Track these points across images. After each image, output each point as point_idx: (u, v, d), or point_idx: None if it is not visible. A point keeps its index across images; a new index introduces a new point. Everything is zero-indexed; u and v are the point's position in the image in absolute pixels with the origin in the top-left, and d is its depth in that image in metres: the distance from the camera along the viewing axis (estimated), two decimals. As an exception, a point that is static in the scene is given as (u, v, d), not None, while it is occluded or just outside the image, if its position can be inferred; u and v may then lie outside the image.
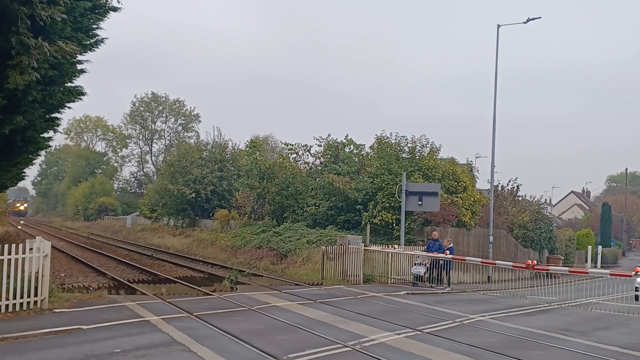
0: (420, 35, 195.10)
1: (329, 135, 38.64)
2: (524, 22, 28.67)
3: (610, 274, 17.47)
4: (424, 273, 20.81)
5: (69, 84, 15.65)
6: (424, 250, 22.14)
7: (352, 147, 38.45)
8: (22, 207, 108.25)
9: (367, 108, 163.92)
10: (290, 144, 40.37)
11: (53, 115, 16.78)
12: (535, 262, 18.78)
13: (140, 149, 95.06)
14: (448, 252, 21.15)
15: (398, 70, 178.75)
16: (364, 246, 22.24)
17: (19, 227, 54.17)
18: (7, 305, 10.96)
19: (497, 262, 21.03)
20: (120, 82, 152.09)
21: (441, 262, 20.81)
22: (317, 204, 33.65)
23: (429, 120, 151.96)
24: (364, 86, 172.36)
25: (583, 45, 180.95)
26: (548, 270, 18.82)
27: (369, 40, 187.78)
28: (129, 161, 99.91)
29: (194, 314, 12.12)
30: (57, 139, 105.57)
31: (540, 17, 28.42)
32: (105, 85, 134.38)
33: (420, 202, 23.88)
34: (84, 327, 10.19)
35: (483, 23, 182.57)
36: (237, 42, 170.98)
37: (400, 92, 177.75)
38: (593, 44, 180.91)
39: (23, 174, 24.72)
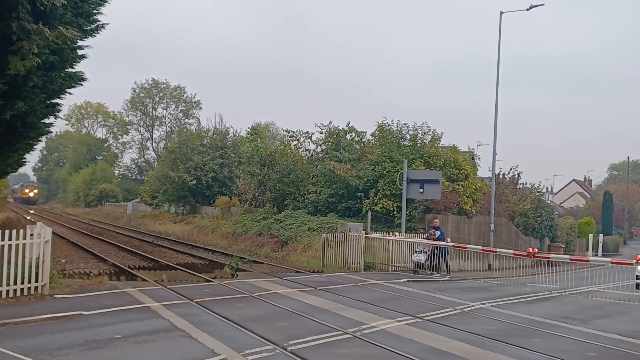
0: (415, 21, 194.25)
1: (330, 123, 38.58)
2: (527, 9, 28.53)
3: (612, 262, 17.45)
4: (425, 261, 20.81)
5: (70, 70, 15.58)
6: (426, 238, 22.12)
7: (353, 134, 38.38)
8: (31, 194, 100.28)
9: (366, 96, 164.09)
10: (292, 131, 40.36)
11: (54, 100, 16.73)
12: (536, 250, 18.79)
13: (141, 135, 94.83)
14: (449, 239, 21.16)
15: (394, 58, 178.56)
16: (365, 234, 22.25)
17: (27, 217, 49.26)
18: (7, 291, 10.96)
19: (498, 250, 21.02)
20: (122, 68, 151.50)
21: (436, 251, 20.79)
22: (318, 192, 33.63)
23: (428, 109, 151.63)
24: (362, 74, 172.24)
25: (579, 33, 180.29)
26: (549, 258, 18.86)
27: (364, 27, 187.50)
28: (130, 148, 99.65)
29: (195, 300, 12.13)
30: (58, 125, 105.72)
31: (542, 4, 28.27)
32: (106, 71, 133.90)
33: (421, 190, 23.87)
34: (85, 312, 10.21)
35: (483, 10, 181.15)
36: (228, 29, 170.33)
37: (401, 81, 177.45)
38: (591, 32, 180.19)
39: (24, 160, 24.68)
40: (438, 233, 21.46)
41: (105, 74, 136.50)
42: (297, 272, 19.94)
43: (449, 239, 21.28)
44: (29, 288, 11.34)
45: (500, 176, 38.18)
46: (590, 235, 43.45)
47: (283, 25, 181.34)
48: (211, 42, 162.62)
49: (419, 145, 29.88)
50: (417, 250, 21.19)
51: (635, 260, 16.26)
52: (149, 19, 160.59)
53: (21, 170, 38.37)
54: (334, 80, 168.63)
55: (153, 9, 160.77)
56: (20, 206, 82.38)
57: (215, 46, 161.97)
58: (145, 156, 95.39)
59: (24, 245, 11.29)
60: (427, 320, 11.39)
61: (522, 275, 21.10)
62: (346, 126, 38.45)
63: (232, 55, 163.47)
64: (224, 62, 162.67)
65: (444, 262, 21.26)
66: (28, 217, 48.31)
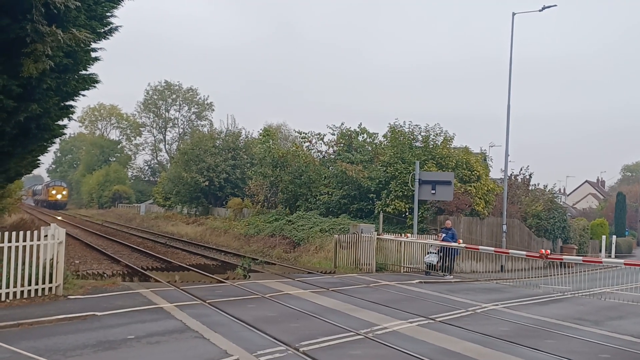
0: (412, 23, 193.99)
1: (342, 124, 38.61)
2: (540, 10, 28.37)
3: (625, 264, 17.31)
4: (437, 262, 20.76)
5: (84, 72, 15.67)
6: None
7: (365, 135, 38.39)
8: (59, 196, 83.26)
9: (377, 99, 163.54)
10: (304, 133, 40.44)
11: (67, 103, 16.84)
12: (548, 251, 18.67)
13: (154, 137, 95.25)
14: (461, 241, 21.09)
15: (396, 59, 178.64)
16: (377, 235, 22.22)
17: (40, 218, 44.27)
18: (22, 292, 11.05)
19: (511, 251, 20.89)
20: (134, 70, 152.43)
21: (446, 251, 20.71)
22: (330, 193, 33.66)
23: (440, 110, 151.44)
24: (374, 74, 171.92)
25: (578, 37, 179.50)
26: (562, 259, 18.71)
27: (359, 29, 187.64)
28: (143, 149, 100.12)
29: (207, 301, 12.18)
30: (72, 127, 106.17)
31: (555, 5, 28.14)
32: (120, 74, 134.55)
33: (433, 191, 23.83)
34: (98, 313, 10.27)
35: (492, 10, 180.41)
36: (229, 32, 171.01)
37: (404, 82, 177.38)
38: (593, 34, 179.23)
39: (38, 162, 24.85)
40: (443, 235, 21.42)
41: (119, 76, 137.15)
42: (309, 273, 19.96)
43: (460, 240, 21.20)
44: (43, 289, 11.43)
45: (512, 177, 38.02)
46: (603, 237, 43.13)
47: (282, 28, 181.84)
48: (215, 47, 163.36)
49: (431, 146, 29.83)
50: (429, 251, 21.15)
51: (648, 262, 16.14)
52: (155, 25, 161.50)
53: (35, 172, 38.70)
54: (341, 86, 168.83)
55: (157, 16, 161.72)
56: (45, 211, 73.41)
57: (219, 50, 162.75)
58: (158, 158, 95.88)
59: (38, 246, 11.38)
60: (439, 321, 11.36)
61: (535, 277, 20.99)
62: (358, 127, 38.48)
63: (239, 57, 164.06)
64: (231, 66, 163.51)
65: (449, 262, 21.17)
66: (42, 219, 48.58)
